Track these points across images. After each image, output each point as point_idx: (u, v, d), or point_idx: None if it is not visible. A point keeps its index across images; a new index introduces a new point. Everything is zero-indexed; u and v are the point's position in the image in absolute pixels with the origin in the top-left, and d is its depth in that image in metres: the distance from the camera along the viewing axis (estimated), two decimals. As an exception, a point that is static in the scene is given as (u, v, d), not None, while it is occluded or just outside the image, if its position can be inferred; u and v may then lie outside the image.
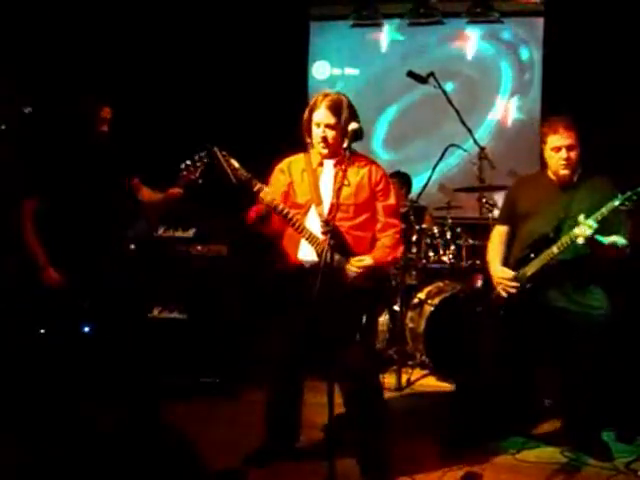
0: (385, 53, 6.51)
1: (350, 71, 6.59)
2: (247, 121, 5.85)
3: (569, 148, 3.28)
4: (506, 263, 3.44)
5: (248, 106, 5.93)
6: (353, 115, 3.05)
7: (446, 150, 4.94)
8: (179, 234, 4.40)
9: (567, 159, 3.28)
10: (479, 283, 4.54)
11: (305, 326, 3.00)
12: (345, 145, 2.81)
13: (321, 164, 3.14)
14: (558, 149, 3.30)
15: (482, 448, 3.40)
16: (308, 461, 3.15)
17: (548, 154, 3.36)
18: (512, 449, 3.41)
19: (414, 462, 3.23)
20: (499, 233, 3.59)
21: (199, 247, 4.36)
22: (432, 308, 4.60)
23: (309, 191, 3.10)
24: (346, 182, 2.87)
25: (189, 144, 3.59)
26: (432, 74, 4.73)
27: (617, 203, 3.04)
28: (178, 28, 5.86)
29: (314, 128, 3.08)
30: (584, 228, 3.06)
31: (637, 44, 5.36)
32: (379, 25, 6.47)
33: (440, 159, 4.92)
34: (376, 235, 3.14)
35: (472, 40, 6.34)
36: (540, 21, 6.14)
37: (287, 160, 3.25)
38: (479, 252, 4.93)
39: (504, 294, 3.35)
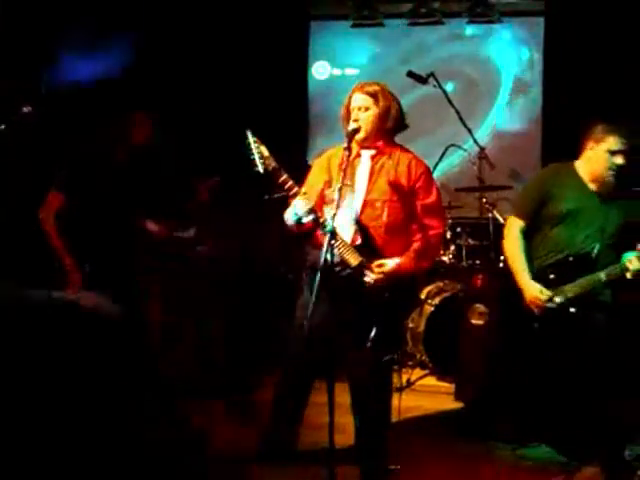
0: (385, 53, 6.50)
1: (350, 71, 6.58)
2: (247, 121, 5.84)
3: (625, 153, 3.08)
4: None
5: (248, 106, 5.92)
6: (393, 102, 2.99)
7: (446, 150, 4.94)
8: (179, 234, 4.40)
9: (621, 167, 3.08)
10: (479, 283, 4.52)
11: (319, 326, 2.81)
12: (345, 145, 2.75)
13: (358, 154, 2.95)
14: (617, 153, 3.07)
15: (482, 447, 3.41)
16: (308, 461, 3.15)
17: (599, 155, 3.10)
18: (512, 448, 3.41)
19: (414, 462, 3.23)
20: (520, 230, 3.21)
21: (199, 247, 4.36)
22: (432, 308, 4.60)
23: (344, 185, 2.76)
24: (392, 177, 2.79)
25: (188, 144, 3.61)
26: (432, 74, 4.73)
27: None
28: (176, 27, 5.86)
29: (351, 115, 2.94)
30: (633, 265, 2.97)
31: (637, 44, 5.36)
32: (379, 25, 6.47)
33: (440, 159, 4.92)
34: (412, 237, 2.94)
35: (472, 40, 6.34)
36: (540, 21, 6.14)
37: (327, 154, 3.09)
38: (479, 252, 4.93)
39: (537, 312, 3.11)
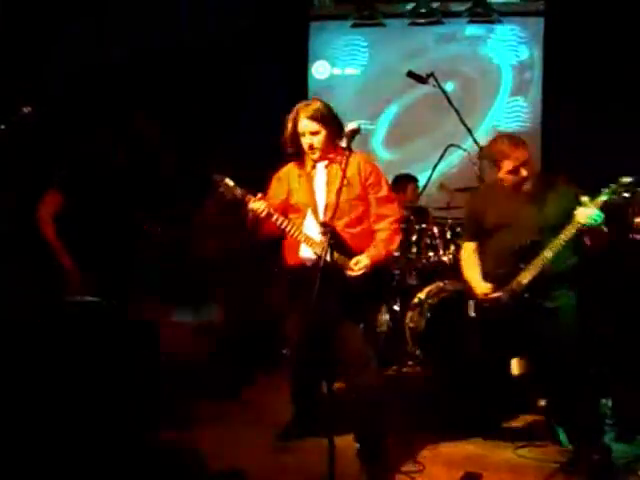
0: (385, 53, 6.51)
1: (350, 71, 6.60)
2: (247, 121, 5.86)
3: (524, 164, 3.25)
4: (485, 278, 3.38)
5: (248, 106, 5.94)
6: (333, 117, 3.22)
7: (446, 150, 4.94)
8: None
9: (526, 177, 3.25)
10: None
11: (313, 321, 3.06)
12: (345, 145, 2.92)
13: (314, 167, 3.28)
14: (516, 170, 3.25)
15: (482, 447, 3.41)
16: (308, 460, 3.16)
17: (505, 177, 3.29)
18: (512, 448, 3.41)
19: (414, 462, 3.24)
20: (472, 250, 3.50)
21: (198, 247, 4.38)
22: (432, 308, 4.59)
23: (305, 194, 3.24)
24: (345, 182, 2.94)
25: (187, 145, 3.61)
26: (432, 74, 4.73)
27: (605, 198, 3.02)
28: (176, 27, 5.87)
29: (302, 139, 3.23)
30: (587, 211, 3.03)
31: (637, 43, 5.37)
32: (379, 25, 6.48)
33: (440, 159, 4.92)
34: (372, 227, 3.23)
35: (472, 40, 6.35)
36: (540, 21, 6.15)
37: (285, 169, 3.39)
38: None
39: (492, 305, 3.28)
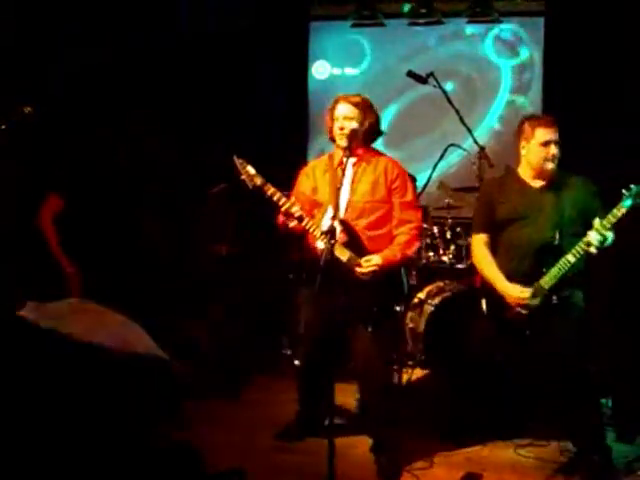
0: (385, 53, 6.51)
1: (350, 71, 6.59)
2: (247, 121, 5.85)
3: (557, 143, 3.22)
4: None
5: (248, 106, 5.93)
6: (372, 112, 3.24)
7: (446, 150, 4.94)
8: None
9: (553, 156, 3.20)
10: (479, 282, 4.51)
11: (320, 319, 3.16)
12: (345, 145, 2.95)
13: (341, 163, 3.20)
14: (547, 143, 3.20)
15: (482, 447, 3.41)
16: (308, 461, 3.16)
17: (533, 150, 3.22)
18: (513, 448, 3.41)
19: (415, 462, 3.23)
20: (483, 243, 3.38)
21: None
22: (432, 308, 4.59)
23: (328, 190, 3.24)
24: (357, 179, 3.02)
25: (189, 145, 3.61)
26: (432, 74, 4.72)
27: (630, 203, 2.95)
28: (176, 28, 5.86)
29: (335, 123, 3.22)
30: (599, 235, 2.99)
31: (637, 43, 5.36)
32: (379, 25, 6.47)
33: (440, 159, 4.92)
34: (392, 231, 3.23)
35: (472, 40, 6.35)
36: (540, 21, 6.14)
37: (312, 164, 3.44)
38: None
39: (525, 312, 3.18)
